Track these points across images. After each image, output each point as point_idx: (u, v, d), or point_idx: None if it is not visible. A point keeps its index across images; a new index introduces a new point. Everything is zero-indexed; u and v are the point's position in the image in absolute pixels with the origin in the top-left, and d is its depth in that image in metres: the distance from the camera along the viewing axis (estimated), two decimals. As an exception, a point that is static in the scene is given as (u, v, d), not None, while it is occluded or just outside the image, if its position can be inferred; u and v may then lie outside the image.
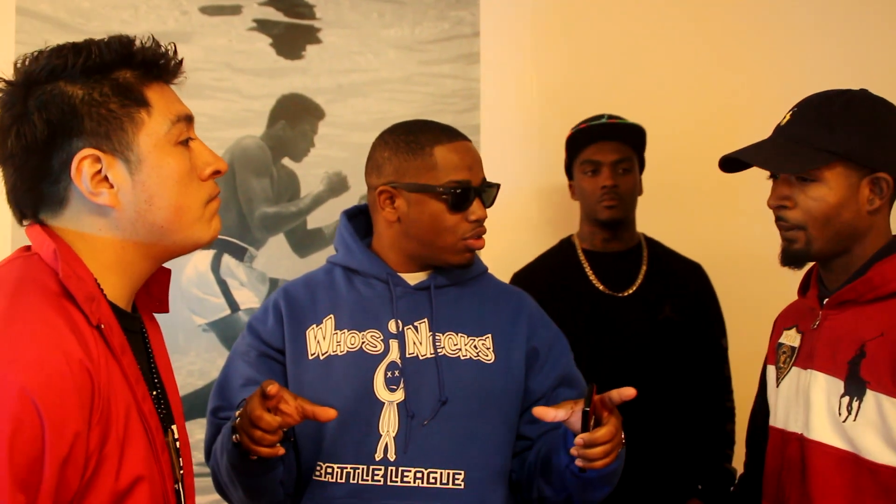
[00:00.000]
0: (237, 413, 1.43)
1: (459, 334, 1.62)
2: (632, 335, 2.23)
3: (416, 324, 1.61)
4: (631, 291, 2.27)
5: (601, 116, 2.30)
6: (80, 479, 0.93)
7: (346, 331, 1.61)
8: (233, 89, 2.53)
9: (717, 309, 2.33)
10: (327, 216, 2.56)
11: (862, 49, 2.74)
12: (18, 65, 1.05)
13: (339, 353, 1.60)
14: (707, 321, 2.30)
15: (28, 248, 1.07)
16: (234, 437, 1.44)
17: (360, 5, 2.59)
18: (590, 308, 2.26)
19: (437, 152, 1.59)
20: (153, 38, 1.08)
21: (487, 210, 1.64)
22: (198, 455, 2.37)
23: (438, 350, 1.59)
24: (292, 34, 2.57)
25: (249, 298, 2.51)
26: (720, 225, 2.65)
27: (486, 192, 1.62)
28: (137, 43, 1.06)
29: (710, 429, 2.27)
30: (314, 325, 1.63)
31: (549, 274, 2.33)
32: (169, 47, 1.10)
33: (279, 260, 2.53)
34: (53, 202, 1.05)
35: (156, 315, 1.24)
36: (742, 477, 1.74)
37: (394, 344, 1.59)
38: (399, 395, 1.57)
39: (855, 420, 1.33)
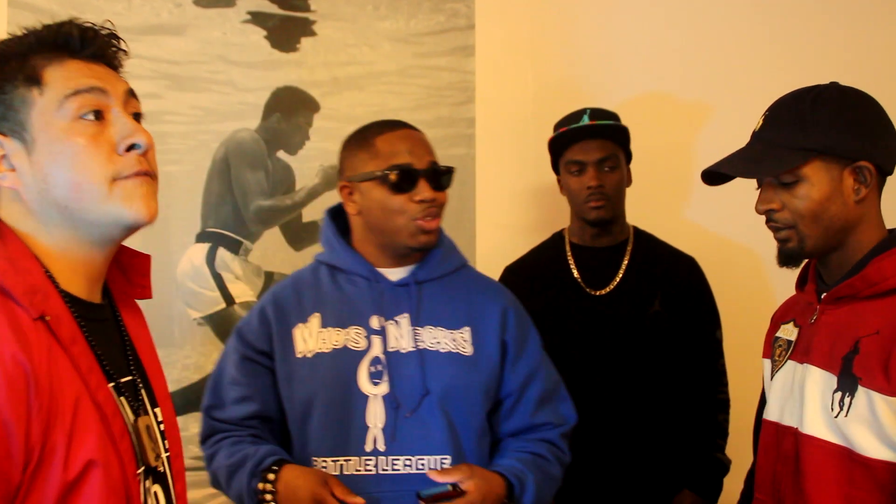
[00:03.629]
0: (268, 478, 1.56)
1: (439, 328, 1.68)
2: (615, 332, 2.21)
3: (397, 319, 1.67)
4: (609, 290, 2.26)
5: (582, 113, 2.26)
6: (23, 472, 0.92)
7: (330, 328, 1.67)
8: (227, 82, 2.50)
9: (712, 302, 2.30)
10: (322, 209, 2.54)
11: (856, 44, 2.74)
12: None
13: (325, 351, 1.65)
14: (700, 314, 2.28)
15: None
16: (261, 496, 1.56)
17: (355, -3, 2.57)
18: (572, 305, 2.26)
19: (378, 142, 1.67)
20: (83, 21, 1.09)
21: (446, 195, 1.69)
22: (193, 448, 2.37)
23: (419, 344, 1.65)
24: (287, 26, 2.54)
25: (244, 292, 2.49)
26: (716, 219, 2.62)
27: (432, 174, 1.65)
28: (57, 26, 1.06)
29: (702, 420, 2.27)
30: (300, 324, 1.68)
31: (537, 269, 2.33)
32: (99, 28, 1.09)
33: (274, 253, 2.52)
34: None
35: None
36: (751, 469, 1.74)
37: (376, 340, 1.65)
38: (383, 389, 1.62)
39: (847, 416, 1.32)
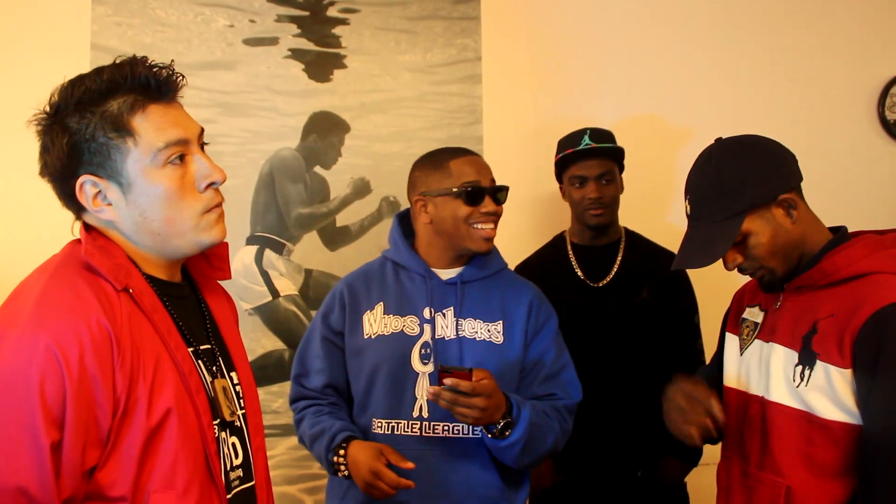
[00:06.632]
0: (340, 453, 1.65)
1: (477, 320, 1.74)
2: (610, 318, 2.21)
3: (444, 311, 1.74)
4: (606, 282, 2.26)
5: (583, 133, 2.24)
6: (112, 417, 0.96)
7: (391, 315, 1.75)
8: (272, 108, 2.53)
9: (691, 291, 2.30)
10: (353, 215, 2.55)
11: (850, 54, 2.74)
12: (54, 94, 1.05)
13: (386, 334, 1.73)
14: (681, 302, 2.27)
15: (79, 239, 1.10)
16: (338, 473, 1.65)
17: (379, 35, 2.59)
18: (575, 296, 2.25)
19: (452, 164, 1.74)
20: (146, 60, 1.05)
21: (503, 208, 1.76)
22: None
23: (460, 333, 1.72)
24: (322, 60, 2.56)
25: (287, 286, 2.51)
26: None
27: (494, 191, 1.74)
28: (128, 69, 1.04)
29: None
30: (368, 311, 1.77)
31: (542, 266, 2.32)
32: (163, 67, 1.06)
33: (313, 253, 2.53)
34: (84, 211, 1.09)
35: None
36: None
37: (427, 327, 1.72)
38: (430, 368, 1.70)
39: (807, 385, 1.34)
